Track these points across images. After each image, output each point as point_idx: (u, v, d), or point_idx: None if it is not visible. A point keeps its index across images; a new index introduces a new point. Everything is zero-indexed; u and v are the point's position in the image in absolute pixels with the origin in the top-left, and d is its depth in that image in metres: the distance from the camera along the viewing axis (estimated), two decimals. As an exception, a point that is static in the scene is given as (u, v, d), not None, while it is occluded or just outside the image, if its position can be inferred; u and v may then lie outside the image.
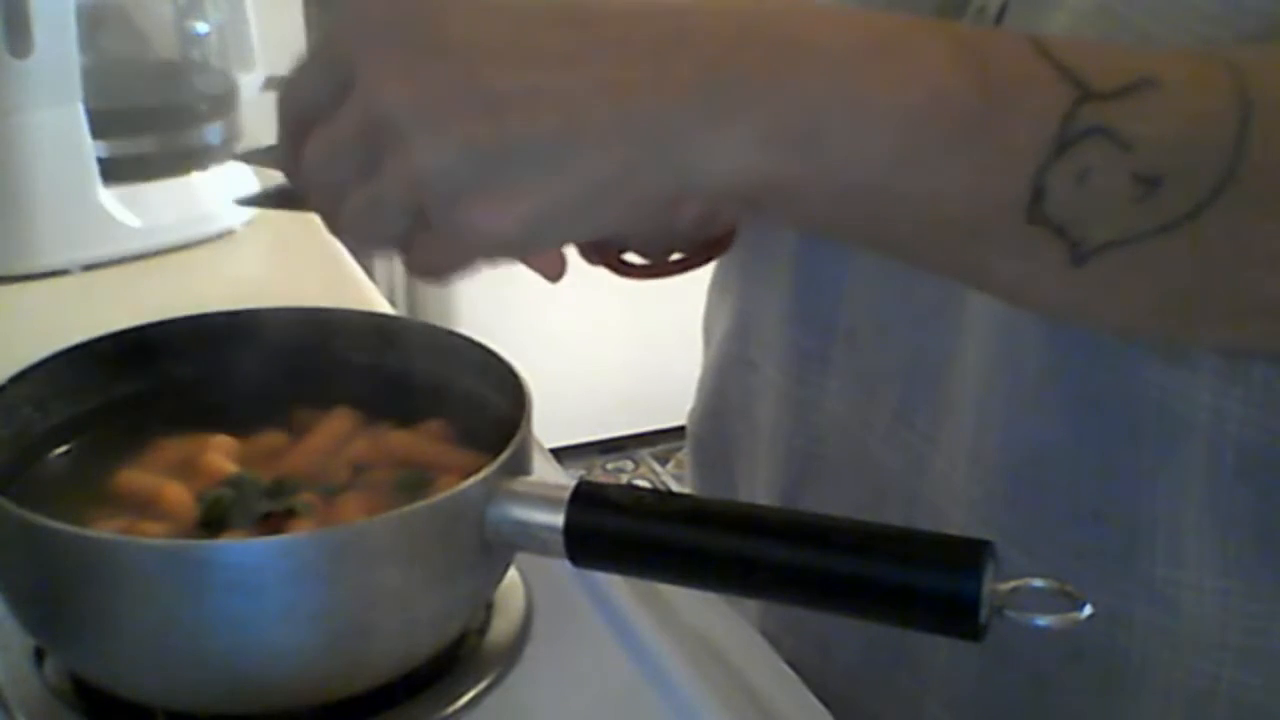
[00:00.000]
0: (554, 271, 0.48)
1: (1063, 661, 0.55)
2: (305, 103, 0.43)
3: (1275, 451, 0.49)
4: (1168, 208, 0.40)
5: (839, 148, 0.39)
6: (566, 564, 0.50)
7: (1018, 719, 0.57)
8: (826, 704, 0.57)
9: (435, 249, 0.43)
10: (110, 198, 1.01)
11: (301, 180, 0.44)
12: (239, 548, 0.50)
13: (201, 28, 1.11)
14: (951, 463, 0.57)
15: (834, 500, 0.63)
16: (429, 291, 2.32)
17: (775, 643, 0.62)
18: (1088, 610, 0.43)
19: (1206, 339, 0.48)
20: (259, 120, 1.14)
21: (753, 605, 0.65)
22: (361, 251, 0.44)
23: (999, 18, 0.53)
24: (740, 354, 0.70)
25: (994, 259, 0.42)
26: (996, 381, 0.54)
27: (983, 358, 0.55)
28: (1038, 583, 0.44)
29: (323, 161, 0.42)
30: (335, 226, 0.44)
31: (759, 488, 0.69)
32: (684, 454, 0.80)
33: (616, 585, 0.60)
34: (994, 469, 0.55)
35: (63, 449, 0.60)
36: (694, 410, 0.76)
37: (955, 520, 0.56)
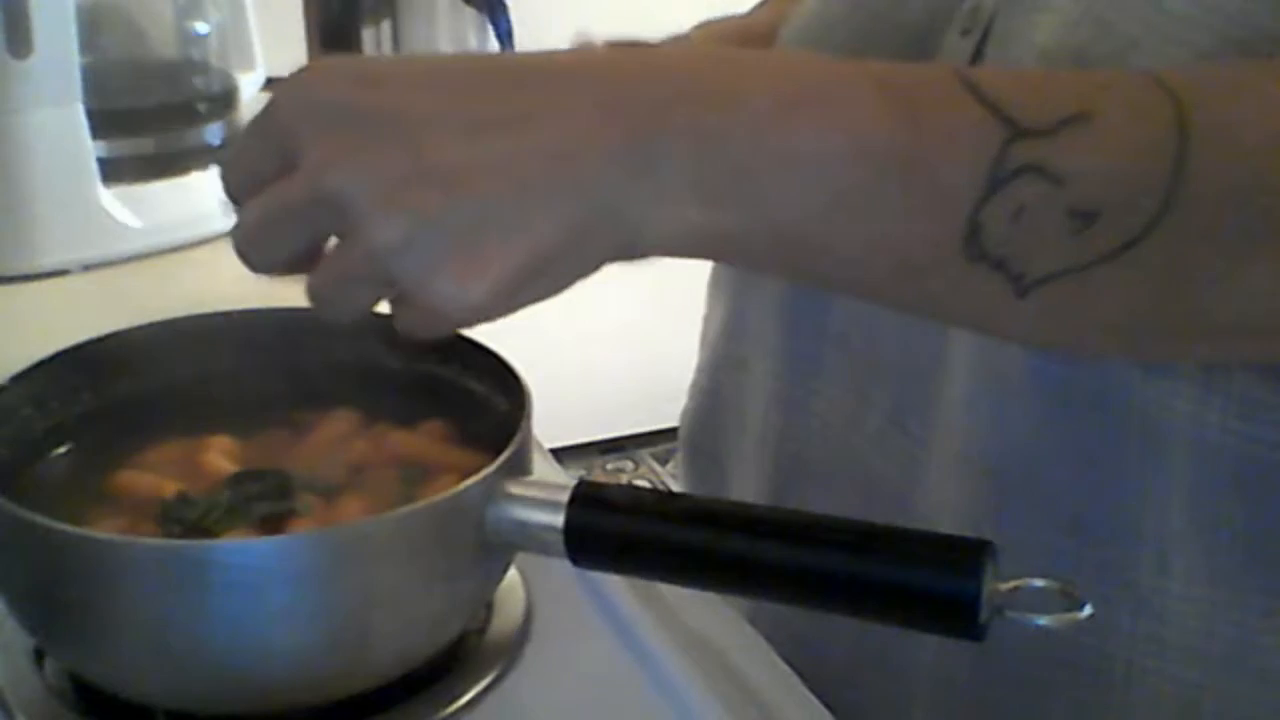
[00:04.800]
0: None
1: (1051, 668, 0.55)
2: (247, 175, 0.44)
3: (1257, 460, 0.49)
4: (1106, 239, 0.40)
5: (771, 199, 0.40)
6: (566, 564, 0.50)
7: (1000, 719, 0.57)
8: (825, 663, 0.58)
9: (415, 316, 0.43)
10: (110, 198, 1.01)
11: (241, 245, 0.45)
12: (239, 548, 0.50)
13: (201, 28, 1.11)
14: (942, 468, 0.57)
15: (823, 504, 0.63)
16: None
17: (774, 605, 0.62)
18: (1088, 610, 0.43)
19: (1158, 358, 0.49)
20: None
21: (742, 605, 0.65)
22: (339, 319, 0.45)
23: (991, 19, 0.53)
24: (733, 354, 0.70)
25: (939, 295, 0.43)
26: (982, 389, 0.54)
27: (969, 366, 0.55)
28: (1038, 583, 0.44)
29: (263, 232, 0.44)
30: (309, 297, 0.45)
31: (750, 488, 0.69)
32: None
33: (616, 585, 0.60)
34: (981, 475, 0.55)
35: (63, 449, 0.60)
36: (686, 410, 0.76)
37: (944, 525, 0.56)
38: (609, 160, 0.40)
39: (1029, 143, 0.40)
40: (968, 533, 0.55)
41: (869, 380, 0.60)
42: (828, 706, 0.56)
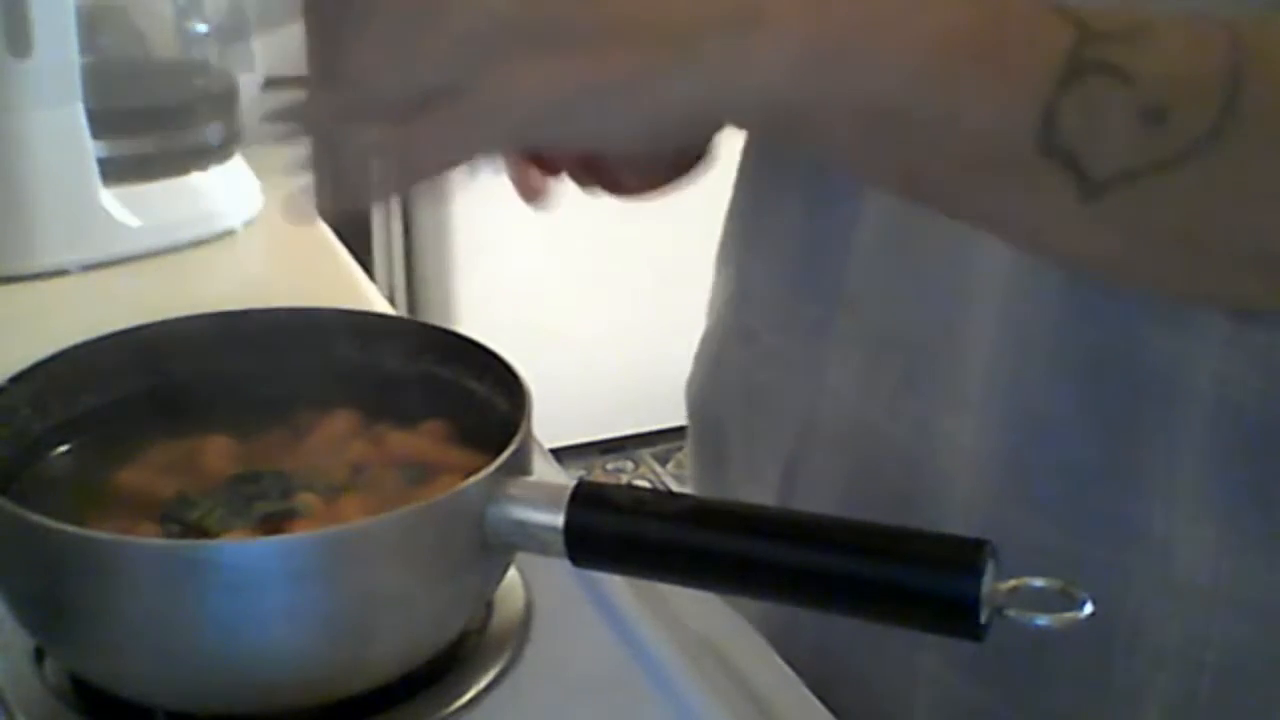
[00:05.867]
0: (536, 194, 0.49)
1: (1056, 635, 0.55)
2: None
3: (1271, 413, 0.51)
4: (1172, 142, 0.42)
5: (860, 69, 0.42)
6: (566, 564, 0.50)
7: (1015, 676, 0.57)
8: (825, 663, 0.57)
9: (444, 129, 0.43)
10: (110, 198, 1.01)
11: None
12: (239, 548, 0.50)
13: (201, 28, 1.11)
14: (955, 426, 0.58)
15: (834, 469, 0.63)
16: (429, 291, 2.32)
17: (774, 605, 0.62)
18: (1088, 609, 0.43)
19: (1206, 289, 0.49)
20: (259, 120, 1.14)
21: (743, 605, 0.65)
22: (347, 117, 0.44)
23: None
24: (742, 324, 0.70)
25: (1007, 195, 0.44)
26: (1005, 347, 0.55)
27: (992, 324, 0.56)
28: (1038, 582, 0.44)
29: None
30: (341, 69, 0.44)
31: (759, 457, 0.69)
32: (684, 453, 0.80)
33: (616, 585, 0.60)
34: (997, 430, 0.56)
35: (63, 449, 0.60)
36: (692, 380, 0.76)
37: (957, 482, 0.57)
38: (706, 15, 0.41)
39: (1100, 43, 0.42)
40: (979, 487, 0.56)
41: (880, 345, 0.61)
42: (837, 664, 0.57)
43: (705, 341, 0.75)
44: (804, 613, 0.49)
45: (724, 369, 0.73)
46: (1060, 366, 0.54)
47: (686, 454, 0.79)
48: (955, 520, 0.57)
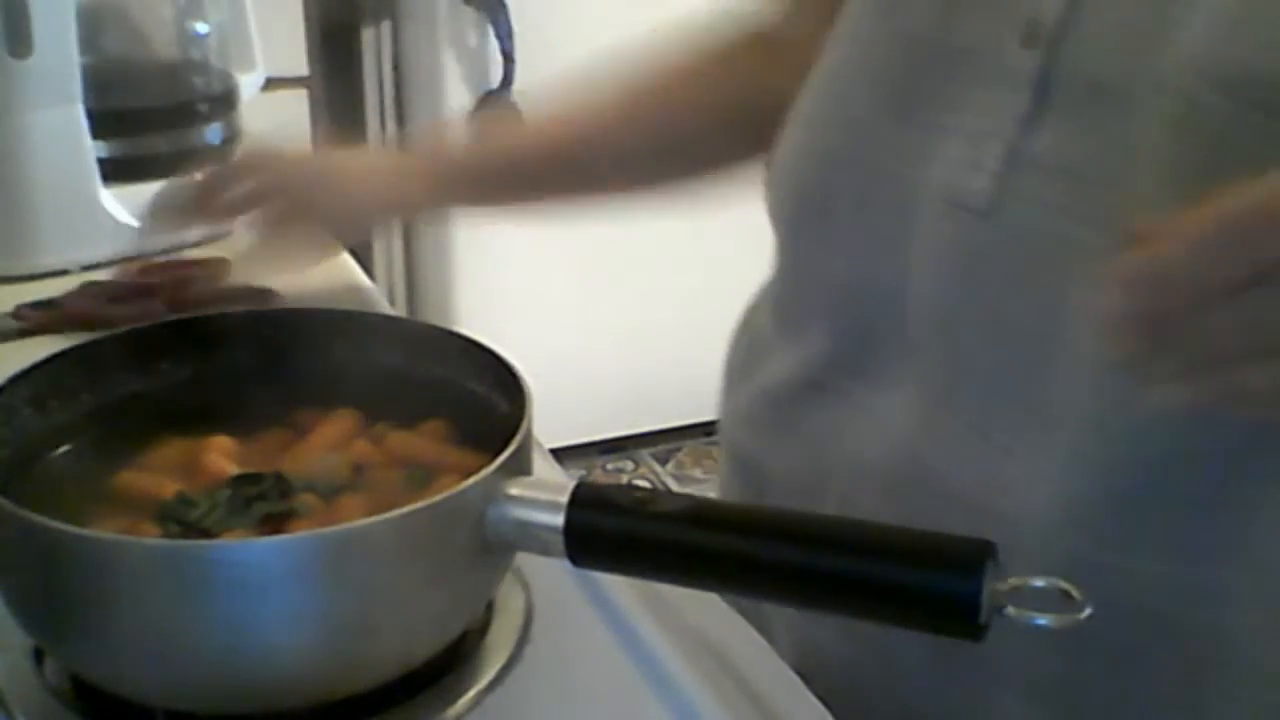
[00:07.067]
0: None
1: (1152, 642, 0.55)
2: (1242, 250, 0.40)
3: None
4: None
5: None
6: (566, 564, 0.50)
7: (1098, 706, 0.57)
8: (894, 701, 0.56)
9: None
10: (110, 198, 1.01)
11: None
12: (239, 548, 0.50)
13: (201, 28, 1.11)
14: (1025, 470, 0.56)
15: (884, 514, 0.61)
16: (429, 291, 2.32)
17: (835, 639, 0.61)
18: (1087, 611, 0.43)
19: None
20: (259, 120, 1.14)
21: (743, 605, 0.63)
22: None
23: (1059, 31, 0.54)
24: (812, 378, 0.67)
25: None
26: (1112, 394, 0.53)
27: (1092, 369, 0.53)
28: (1038, 582, 0.44)
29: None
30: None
31: (805, 501, 0.66)
32: (684, 453, 0.79)
33: (616, 585, 0.60)
34: (1095, 472, 0.54)
35: (63, 449, 0.60)
36: (734, 418, 0.73)
37: (1025, 524, 0.55)
38: None
39: None
40: (1065, 528, 0.54)
41: (950, 389, 0.59)
42: (829, 707, 0.56)
43: (756, 389, 0.71)
44: (804, 613, 0.49)
45: (786, 418, 0.69)
46: (1181, 417, 0.50)
47: (719, 487, 0.77)
48: (1028, 557, 0.54)
